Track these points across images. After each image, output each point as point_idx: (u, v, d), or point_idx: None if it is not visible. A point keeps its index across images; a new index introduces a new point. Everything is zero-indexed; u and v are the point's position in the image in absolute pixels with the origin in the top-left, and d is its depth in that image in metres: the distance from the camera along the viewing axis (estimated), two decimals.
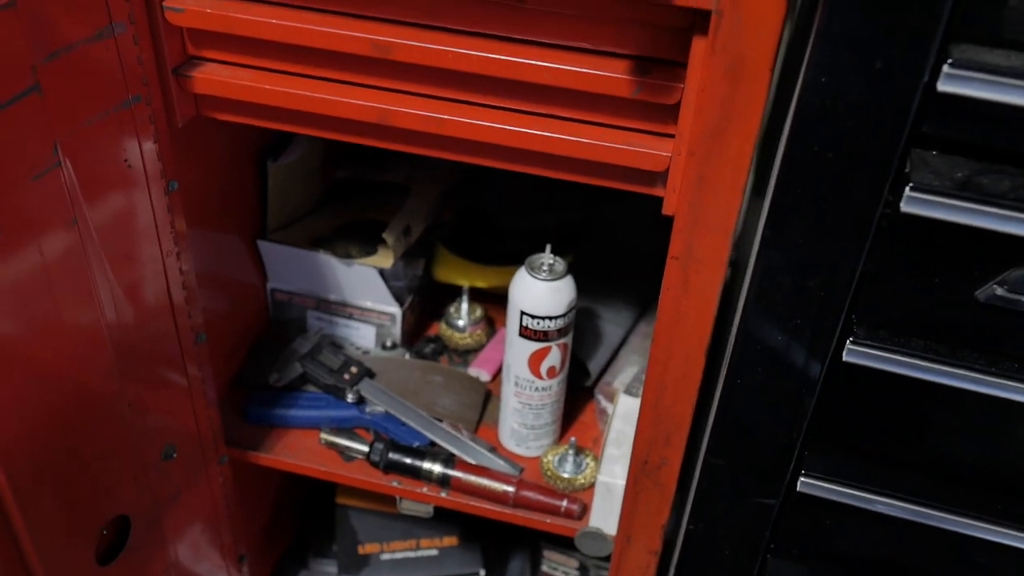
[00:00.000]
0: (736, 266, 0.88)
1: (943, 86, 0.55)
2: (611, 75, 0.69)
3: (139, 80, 0.75)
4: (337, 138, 0.81)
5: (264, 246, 1.10)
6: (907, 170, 0.58)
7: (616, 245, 1.23)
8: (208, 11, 0.74)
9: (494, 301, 1.18)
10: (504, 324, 1.00)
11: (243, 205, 1.07)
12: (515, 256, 0.99)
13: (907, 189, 0.58)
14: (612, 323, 1.14)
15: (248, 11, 0.74)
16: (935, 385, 0.66)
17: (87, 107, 0.71)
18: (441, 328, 1.17)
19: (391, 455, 1.01)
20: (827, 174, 0.59)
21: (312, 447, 1.05)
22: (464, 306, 1.16)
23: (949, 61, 0.55)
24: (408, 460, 1.00)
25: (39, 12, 0.64)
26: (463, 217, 1.25)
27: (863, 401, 0.70)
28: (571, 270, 0.95)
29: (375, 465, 1.01)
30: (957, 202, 0.57)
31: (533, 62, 0.70)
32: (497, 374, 1.12)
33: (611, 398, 1.06)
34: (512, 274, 0.96)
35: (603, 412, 1.08)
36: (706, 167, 0.66)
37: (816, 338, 0.67)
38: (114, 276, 0.77)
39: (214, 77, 0.78)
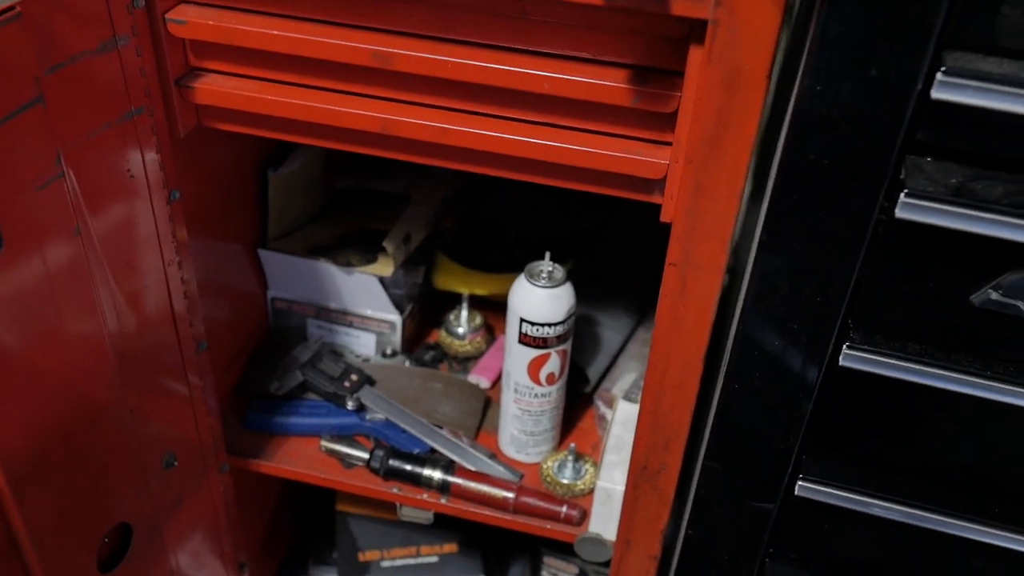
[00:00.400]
0: (735, 272, 0.89)
1: (937, 93, 0.56)
2: (610, 84, 0.70)
3: (142, 91, 0.76)
4: (339, 147, 0.81)
5: (265, 255, 1.11)
6: (902, 176, 0.59)
7: (616, 252, 1.24)
8: (210, 23, 0.75)
9: (494, 308, 1.18)
10: (504, 331, 1.01)
11: (244, 214, 1.07)
12: (515, 264, 0.99)
13: (902, 195, 0.58)
14: (611, 330, 1.14)
15: (249, 22, 0.75)
16: (931, 389, 0.66)
17: (90, 118, 0.72)
18: (441, 336, 1.18)
19: (391, 462, 1.01)
20: (823, 181, 0.60)
21: (312, 454, 1.06)
22: (464, 313, 1.16)
23: (942, 69, 0.55)
24: (408, 467, 1.01)
25: (44, 24, 0.65)
26: (464, 225, 1.26)
27: (860, 405, 0.71)
28: (571, 277, 0.96)
29: (375, 472, 1.02)
30: (951, 208, 0.58)
31: (534, 72, 0.71)
32: (497, 381, 1.13)
33: (610, 404, 1.07)
34: (512, 282, 0.97)
35: (602, 418, 1.08)
36: (703, 175, 0.67)
37: (813, 343, 0.67)
38: (116, 285, 0.78)
39: (216, 88, 0.79)
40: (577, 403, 1.10)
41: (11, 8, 0.61)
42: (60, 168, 0.68)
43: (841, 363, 0.67)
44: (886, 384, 0.67)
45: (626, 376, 1.10)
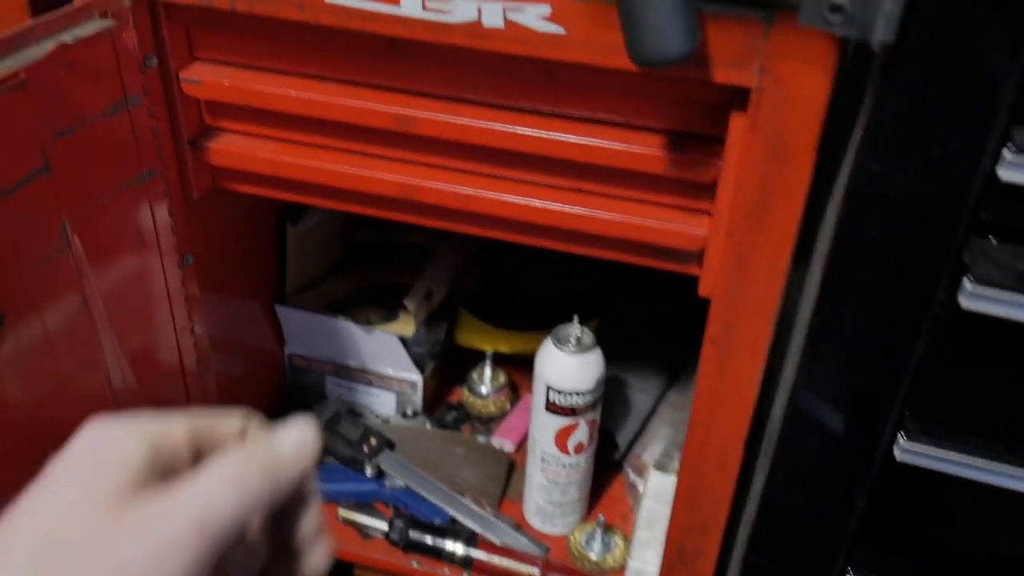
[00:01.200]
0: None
1: (1005, 173, 0.51)
2: (644, 151, 0.66)
3: (154, 153, 0.73)
4: (360, 211, 0.78)
5: (282, 311, 1.08)
6: (965, 261, 0.54)
7: (643, 307, 1.20)
8: (226, 83, 0.72)
9: (518, 365, 1.14)
10: (528, 389, 0.96)
11: (261, 270, 1.04)
12: (539, 321, 0.95)
13: (966, 282, 0.54)
14: (640, 391, 1.10)
15: (267, 82, 0.72)
16: (992, 486, 0.61)
17: (99, 183, 0.69)
18: (463, 395, 1.13)
19: (411, 534, 0.96)
20: (880, 265, 0.56)
21: (330, 523, 1.01)
22: (487, 372, 1.12)
23: (1011, 147, 0.51)
24: (429, 540, 0.96)
25: (51, 88, 0.62)
26: (486, 281, 1.22)
27: (916, 499, 0.65)
28: (597, 334, 0.91)
29: (394, 544, 0.97)
30: (1020, 297, 0.53)
31: (562, 137, 0.67)
32: (521, 443, 1.08)
33: (641, 472, 1.02)
34: (536, 339, 0.92)
35: (632, 487, 1.03)
36: (746, 248, 0.63)
37: (867, 434, 0.62)
38: (122, 349, 0.74)
39: (231, 149, 0.76)
40: (606, 469, 1.05)
41: (14, 75, 0.58)
42: (65, 239, 0.65)
43: (896, 456, 0.62)
44: (944, 479, 0.62)
45: (657, 442, 1.05)
